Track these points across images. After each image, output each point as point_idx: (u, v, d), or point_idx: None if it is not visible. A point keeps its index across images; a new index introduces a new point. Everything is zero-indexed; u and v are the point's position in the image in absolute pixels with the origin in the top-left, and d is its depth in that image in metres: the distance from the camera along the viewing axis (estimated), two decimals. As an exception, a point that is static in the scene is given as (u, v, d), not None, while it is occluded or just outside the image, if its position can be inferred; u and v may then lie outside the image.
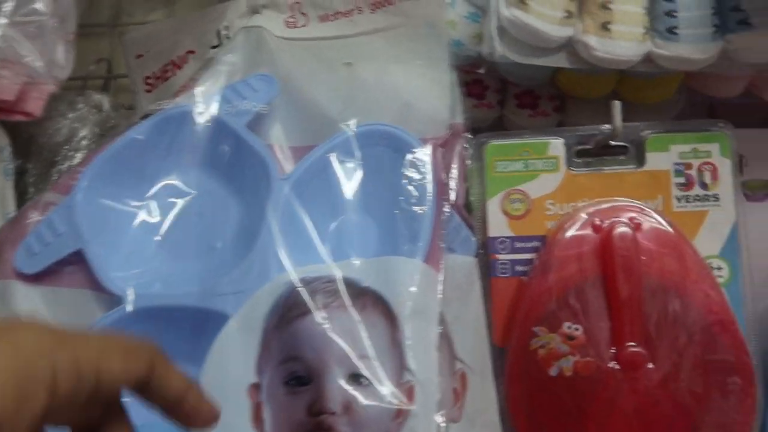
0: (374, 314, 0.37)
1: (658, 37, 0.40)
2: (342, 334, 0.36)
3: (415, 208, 0.40)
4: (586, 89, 0.46)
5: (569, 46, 0.41)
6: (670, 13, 0.39)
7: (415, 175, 0.41)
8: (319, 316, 0.36)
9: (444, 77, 0.44)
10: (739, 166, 0.46)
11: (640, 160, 0.41)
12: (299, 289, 0.37)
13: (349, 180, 0.42)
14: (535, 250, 0.40)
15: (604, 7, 0.39)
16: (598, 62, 0.40)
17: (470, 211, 0.42)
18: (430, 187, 0.40)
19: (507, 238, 0.40)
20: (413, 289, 0.37)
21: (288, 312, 0.37)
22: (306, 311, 0.37)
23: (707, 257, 0.39)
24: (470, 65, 0.47)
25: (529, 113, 0.50)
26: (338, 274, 0.37)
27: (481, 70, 0.47)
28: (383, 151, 0.42)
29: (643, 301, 0.37)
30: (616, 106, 0.39)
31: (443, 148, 0.43)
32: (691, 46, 0.39)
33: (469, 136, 0.43)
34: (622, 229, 0.38)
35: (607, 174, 0.41)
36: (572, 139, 0.41)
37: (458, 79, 0.45)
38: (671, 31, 0.39)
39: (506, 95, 0.50)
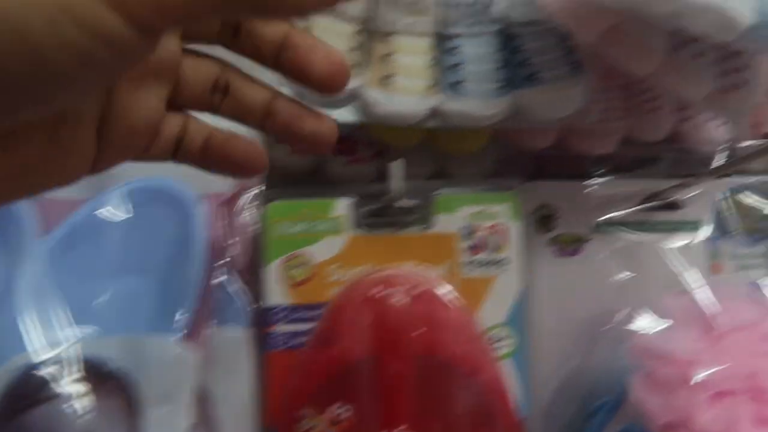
0: (116, 400, 0.33)
1: (443, 92, 0.37)
2: (76, 426, 0.32)
3: (184, 274, 0.37)
4: (395, 138, 0.43)
5: (357, 98, 0.38)
6: (455, 67, 0.37)
7: (188, 237, 0.38)
8: (53, 404, 0.33)
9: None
10: (552, 219, 0.45)
11: (428, 222, 0.38)
12: (35, 373, 0.33)
13: (118, 241, 0.39)
14: (316, 320, 0.37)
15: (386, 58, 0.37)
16: (381, 118, 0.37)
17: (253, 276, 0.39)
18: (202, 250, 0.37)
19: (286, 306, 0.37)
20: (165, 369, 0.34)
21: (19, 400, 0.33)
22: (39, 399, 0.33)
23: (493, 326, 0.37)
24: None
25: (347, 159, 0.47)
26: (82, 354, 0.34)
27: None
28: (157, 208, 0.39)
29: (416, 379, 0.34)
30: (396, 166, 0.36)
31: (227, 205, 0.40)
32: (478, 102, 0.37)
33: (258, 192, 0.40)
34: (397, 299, 0.35)
35: (395, 237, 0.38)
36: (360, 199, 0.38)
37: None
38: (456, 85, 0.37)
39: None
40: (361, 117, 0.38)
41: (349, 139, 0.47)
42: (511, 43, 0.37)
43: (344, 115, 0.38)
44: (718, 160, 0.43)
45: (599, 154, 0.44)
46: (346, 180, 0.46)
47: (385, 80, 0.37)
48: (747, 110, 0.42)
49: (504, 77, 0.37)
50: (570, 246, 0.45)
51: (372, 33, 0.38)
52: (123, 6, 0.17)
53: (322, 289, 0.37)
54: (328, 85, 0.24)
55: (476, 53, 0.37)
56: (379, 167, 0.49)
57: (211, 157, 0.25)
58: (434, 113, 0.38)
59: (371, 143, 0.48)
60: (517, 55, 0.37)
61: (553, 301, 0.43)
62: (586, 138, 0.43)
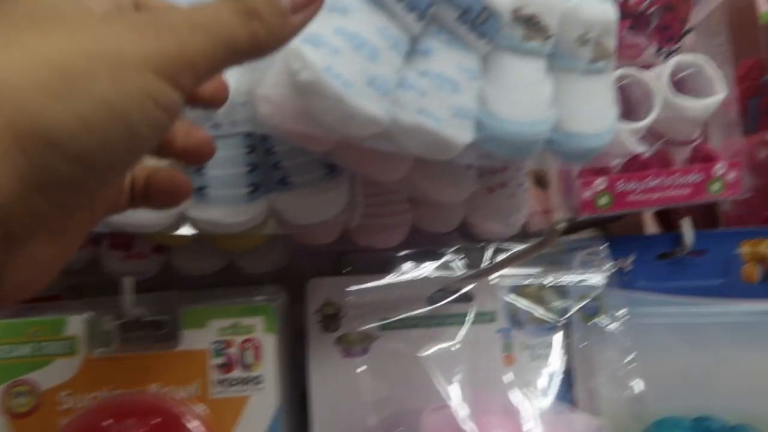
0: None
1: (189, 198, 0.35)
2: None
3: None
4: (165, 238, 0.40)
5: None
6: (197, 172, 0.34)
7: None
8: None
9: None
10: (337, 318, 0.43)
11: (175, 339, 0.35)
12: None
13: None
14: (41, 456, 0.33)
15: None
16: (121, 227, 0.34)
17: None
18: None
19: (5, 443, 0.33)
20: None
21: None
22: None
23: (247, 452, 0.34)
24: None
25: (123, 255, 0.43)
26: None
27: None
28: None
29: None
30: (128, 281, 0.33)
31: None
32: (224, 209, 0.34)
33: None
34: (131, 432, 0.32)
35: (138, 356, 0.34)
36: (96, 315, 0.35)
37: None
38: (200, 191, 0.34)
39: (100, 233, 0.44)
40: (105, 227, 0.35)
41: (124, 234, 0.44)
42: (263, 143, 0.35)
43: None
44: (499, 253, 0.43)
45: (386, 247, 0.43)
46: (123, 275, 0.42)
47: (121, 187, 0.34)
48: (519, 206, 0.42)
49: (256, 181, 0.35)
50: (356, 346, 0.43)
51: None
52: (175, 79, 0.22)
53: (50, 420, 0.33)
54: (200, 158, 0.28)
55: (223, 156, 0.34)
56: (166, 262, 0.45)
57: (151, 193, 0.28)
58: (183, 219, 0.35)
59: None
60: (270, 157, 0.35)
61: (337, 406, 0.40)
62: (370, 232, 0.42)
